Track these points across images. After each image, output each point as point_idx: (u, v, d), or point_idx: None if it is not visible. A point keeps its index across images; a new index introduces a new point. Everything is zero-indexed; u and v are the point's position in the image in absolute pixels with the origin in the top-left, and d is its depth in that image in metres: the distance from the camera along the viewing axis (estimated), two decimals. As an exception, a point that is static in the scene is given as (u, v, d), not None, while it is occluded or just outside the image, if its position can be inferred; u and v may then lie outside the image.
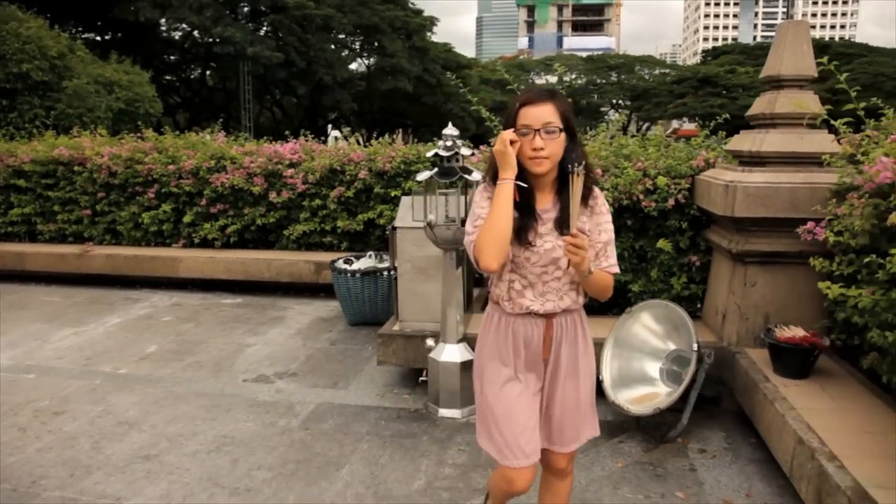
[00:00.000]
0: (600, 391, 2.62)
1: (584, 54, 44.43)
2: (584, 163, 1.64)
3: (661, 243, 3.77)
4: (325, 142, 7.23)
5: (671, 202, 3.69)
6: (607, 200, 2.60)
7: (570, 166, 1.63)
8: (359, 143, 6.40)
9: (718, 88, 33.65)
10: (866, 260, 2.46)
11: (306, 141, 6.39)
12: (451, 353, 3.29)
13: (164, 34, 24.67)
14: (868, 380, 2.90)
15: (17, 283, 6.25)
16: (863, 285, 2.55)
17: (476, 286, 4.31)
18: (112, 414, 3.34)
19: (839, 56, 37.82)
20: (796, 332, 2.98)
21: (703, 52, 49.50)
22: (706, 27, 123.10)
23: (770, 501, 2.58)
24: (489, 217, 1.68)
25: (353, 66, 29.79)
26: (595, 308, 3.23)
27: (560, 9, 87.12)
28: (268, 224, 5.97)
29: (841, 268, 2.71)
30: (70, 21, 20.40)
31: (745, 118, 3.52)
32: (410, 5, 29.32)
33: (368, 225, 5.76)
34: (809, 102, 3.23)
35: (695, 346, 2.98)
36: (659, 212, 3.76)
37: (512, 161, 1.66)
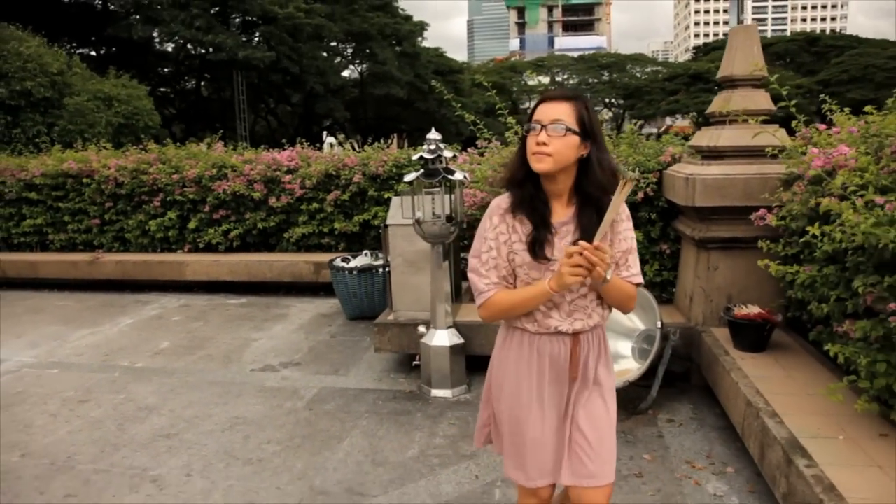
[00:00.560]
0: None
1: (576, 54, 44.89)
2: (636, 169, 1.62)
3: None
4: (320, 148, 7.55)
5: (640, 195, 4.01)
6: None
7: (620, 175, 1.51)
8: (353, 148, 6.72)
9: (710, 84, 34.00)
10: (802, 240, 2.78)
11: (303, 148, 6.72)
12: (441, 338, 3.61)
13: (158, 47, 25.00)
14: (817, 351, 3.21)
15: (31, 291, 6.57)
16: (805, 264, 2.87)
17: (464, 279, 4.62)
18: (133, 401, 3.66)
19: (829, 48, 38.27)
20: (752, 310, 3.30)
21: (695, 48, 50.05)
22: (697, 23, 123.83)
23: (727, 461, 2.89)
24: (515, 300, 1.64)
25: (346, 73, 30.13)
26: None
27: (550, 9, 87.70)
28: (268, 228, 6.29)
29: (786, 249, 3.03)
30: (65, 38, 20.73)
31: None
32: (400, 11, 29.64)
33: (364, 226, 6.09)
34: (760, 100, 3.56)
35: (658, 325, 3.30)
36: (630, 204, 4.07)
37: (567, 280, 1.54)
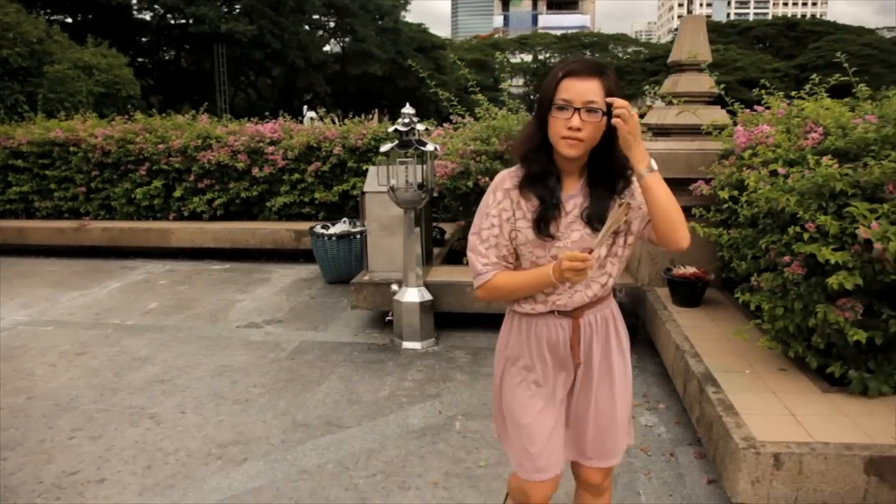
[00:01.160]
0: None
1: (559, 32, 44.97)
2: (629, 195, 1.54)
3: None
4: (301, 122, 7.80)
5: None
6: None
7: (618, 198, 1.51)
8: (334, 122, 6.99)
9: (689, 66, 34.43)
10: (725, 206, 3.17)
11: (285, 121, 6.96)
12: (411, 295, 3.96)
13: (137, 15, 24.63)
14: (744, 307, 3.63)
15: (19, 257, 6.78)
16: (732, 228, 3.26)
17: (436, 245, 4.97)
18: (127, 353, 3.96)
19: (807, 33, 38.73)
20: (688, 270, 3.71)
21: (677, 29, 50.28)
22: (681, 4, 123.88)
23: (660, 399, 3.31)
24: (515, 284, 1.58)
25: (327, 47, 29.96)
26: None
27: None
28: (251, 197, 6.56)
29: (715, 215, 3.42)
30: (40, 2, 20.37)
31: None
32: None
33: (343, 196, 6.39)
34: (704, 83, 3.93)
35: (606, 282, 3.68)
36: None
37: (569, 278, 1.48)
